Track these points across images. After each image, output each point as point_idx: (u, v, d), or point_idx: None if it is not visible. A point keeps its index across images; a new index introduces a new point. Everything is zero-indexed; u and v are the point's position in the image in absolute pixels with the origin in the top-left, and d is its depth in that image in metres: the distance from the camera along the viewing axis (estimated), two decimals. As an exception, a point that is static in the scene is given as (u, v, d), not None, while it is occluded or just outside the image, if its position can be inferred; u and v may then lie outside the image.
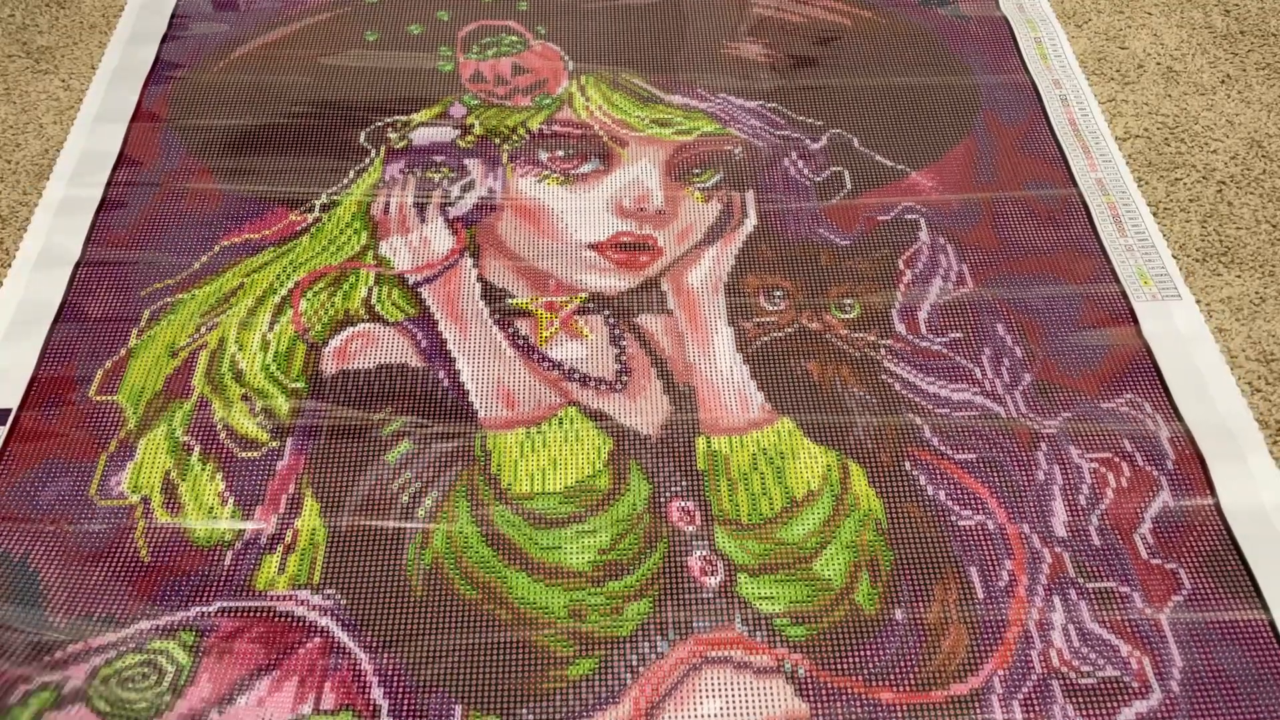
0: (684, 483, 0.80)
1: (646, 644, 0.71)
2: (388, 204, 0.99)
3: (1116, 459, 0.81)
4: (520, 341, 0.88)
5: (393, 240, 0.96)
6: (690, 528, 0.77)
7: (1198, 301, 0.92)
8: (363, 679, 0.69)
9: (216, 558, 0.75)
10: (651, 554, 0.76)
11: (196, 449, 0.81)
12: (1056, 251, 0.96)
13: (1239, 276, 0.94)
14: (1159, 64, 1.13)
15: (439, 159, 1.03)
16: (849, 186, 1.01)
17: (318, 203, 0.99)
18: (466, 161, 1.03)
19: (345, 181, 1.01)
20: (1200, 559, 0.76)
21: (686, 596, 0.74)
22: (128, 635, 0.71)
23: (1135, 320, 0.90)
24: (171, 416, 0.83)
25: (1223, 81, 1.11)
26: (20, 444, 0.81)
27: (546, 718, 0.68)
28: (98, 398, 0.84)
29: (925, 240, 0.96)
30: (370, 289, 0.92)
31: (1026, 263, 0.95)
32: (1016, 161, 1.03)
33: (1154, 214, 0.99)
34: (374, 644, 0.71)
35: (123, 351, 0.87)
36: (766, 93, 1.10)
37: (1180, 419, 0.83)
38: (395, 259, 0.94)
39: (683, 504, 0.78)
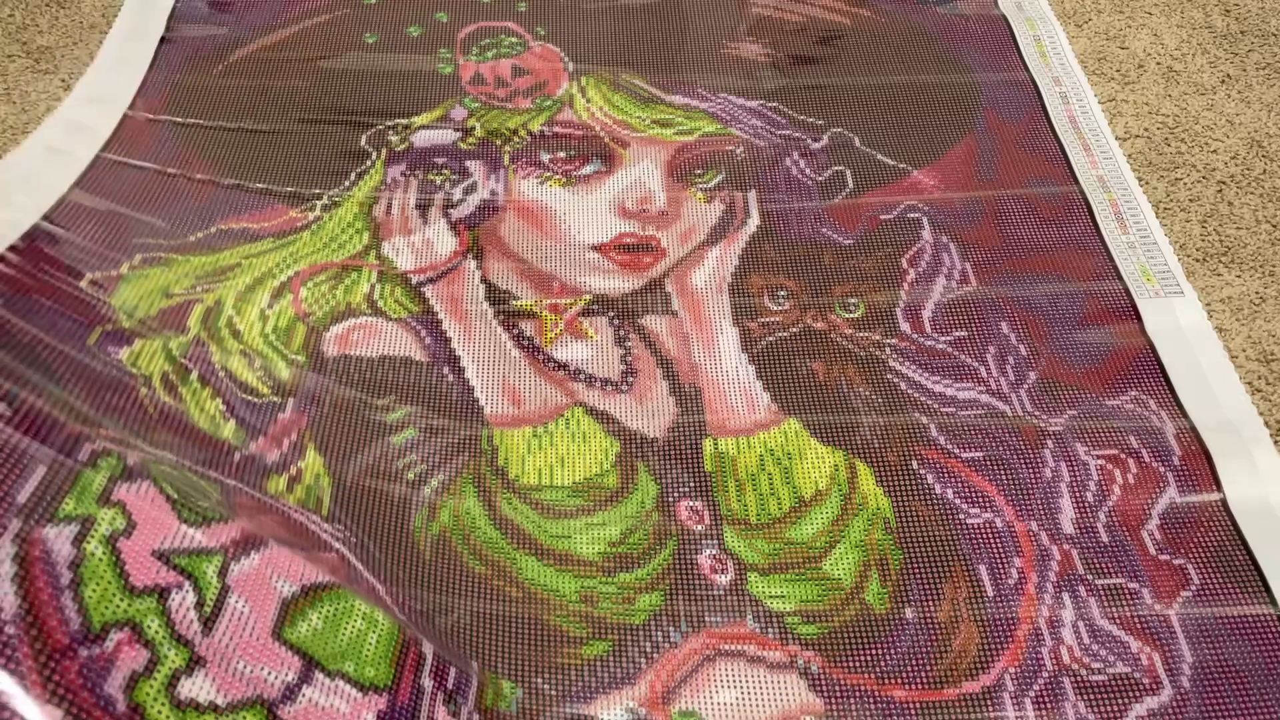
0: (691, 484, 0.79)
1: (660, 633, 0.71)
2: (390, 205, 0.98)
3: (1123, 456, 0.81)
4: (525, 343, 0.88)
5: (395, 241, 0.95)
6: (699, 527, 0.77)
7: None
8: (383, 604, 0.67)
9: (224, 450, 0.73)
10: (661, 550, 0.75)
11: (195, 371, 0.79)
12: (1059, 249, 0.96)
13: (1239, 276, 0.94)
14: (1159, 64, 1.14)
15: (440, 161, 1.03)
16: (851, 186, 1.01)
17: (319, 203, 0.98)
18: (468, 163, 1.02)
19: (346, 184, 1.00)
20: (1208, 555, 0.76)
21: (698, 592, 0.73)
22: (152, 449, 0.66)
23: (1138, 317, 0.90)
24: (168, 339, 0.80)
25: (1223, 81, 1.12)
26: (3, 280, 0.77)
27: (563, 690, 0.68)
28: (89, 289, 0.81)
29: (928, 239, 0.96)
30: (373, 285, 0.91)
31: (1029, 261, 0.95)
32: (1018, 159, 1.04)
33: (1154, 214, 0.99)
34: (388, 582, 0.70)
35: (114, 272, 0.84)
36: (767, 92, 1.10)
37: (1185, 415, 0.84)
38: (398, 260, 0.94)
39: (691, 504, 0.78)
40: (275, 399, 0.80)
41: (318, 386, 0.82)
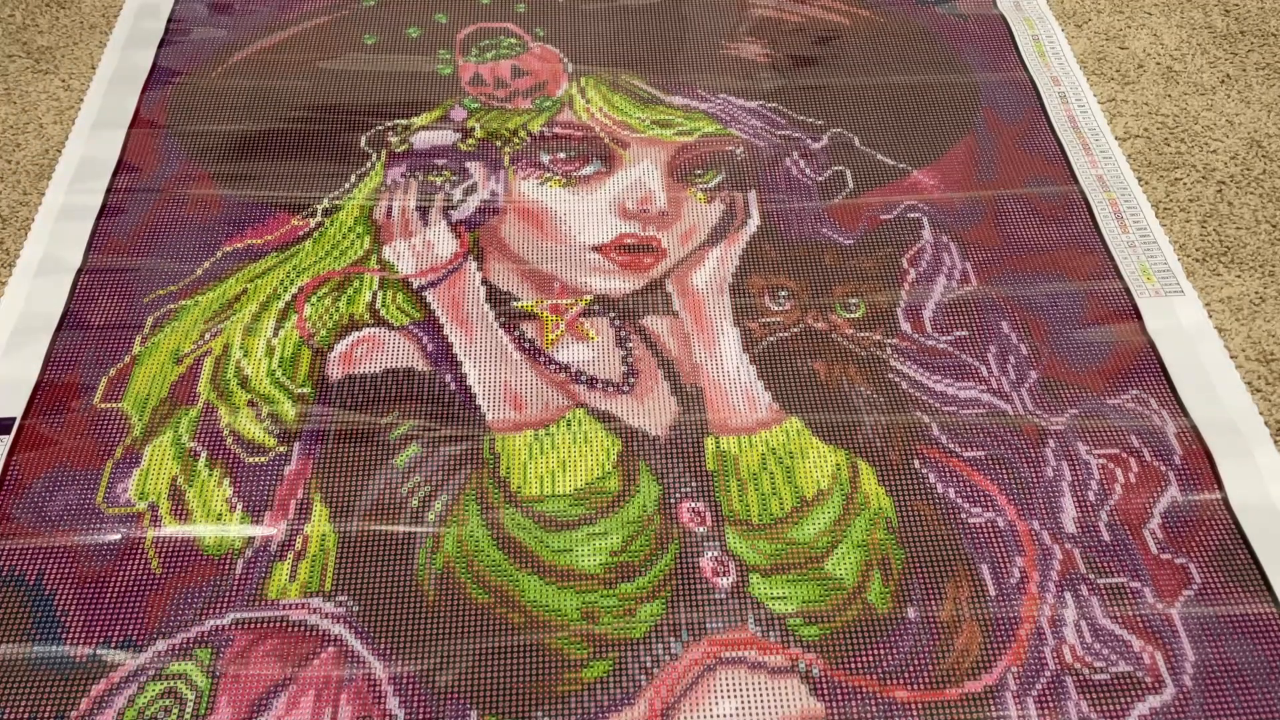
0: (694, 484, 0.79)
1: (660, 645, 0.71)
2: (390, 208, 0.98)
3: (1124, 455, 0.81)
4: (526, 345, 0.88)
5: (396, 244, 0.95)
6: (701, 529, 0.77)
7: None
8: (378, 689, 0.69)
9: (227, 566, 0.75)
10: (663, 555, 0.75)
11: (204, 455, 0.81)
12: (1059, 248, 0.96)
13: (1239, 276, 0.94)
14: (1159, 64, 1.14)
15: (440, 162, 1.03)
16: (851, 186, 1.01)
17: (320, 208, 0.98)
18: (468, 164, 1.03)
19: (347, 186, 1.00)
20: (1210, 553, 0.76)
21: (699, 598, 0.73)
22: (146, 661, 0.70)
23: (1139, 316, 0.90)
24: (178, 423, 0.82)
25: (1223, 81, 1.12)
26: (26, 454, 0.80)
27: None
28: (102, 405, 0.83)
29: (928, 239, 0.97)
30: (375, 293, 0.91)
31: (1029, 260, 0.95)
32: (1017, 159, 1.04)
33: (1154, 213, 0.99)
34: (388, 651, 0.71)
35: (127, 359, 0.86)
36: (767, 93, 1.10)
37: (1186, 414, 0.84)
38: (399, 263, 0.94)
39: (693, 505, 0.78)
40: (281, 449, 0.81)
41: (323, 419, 0.83)
